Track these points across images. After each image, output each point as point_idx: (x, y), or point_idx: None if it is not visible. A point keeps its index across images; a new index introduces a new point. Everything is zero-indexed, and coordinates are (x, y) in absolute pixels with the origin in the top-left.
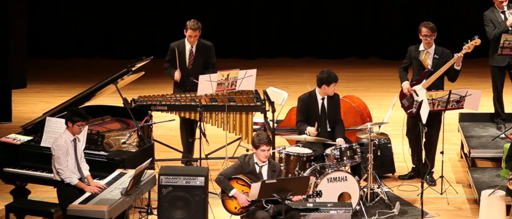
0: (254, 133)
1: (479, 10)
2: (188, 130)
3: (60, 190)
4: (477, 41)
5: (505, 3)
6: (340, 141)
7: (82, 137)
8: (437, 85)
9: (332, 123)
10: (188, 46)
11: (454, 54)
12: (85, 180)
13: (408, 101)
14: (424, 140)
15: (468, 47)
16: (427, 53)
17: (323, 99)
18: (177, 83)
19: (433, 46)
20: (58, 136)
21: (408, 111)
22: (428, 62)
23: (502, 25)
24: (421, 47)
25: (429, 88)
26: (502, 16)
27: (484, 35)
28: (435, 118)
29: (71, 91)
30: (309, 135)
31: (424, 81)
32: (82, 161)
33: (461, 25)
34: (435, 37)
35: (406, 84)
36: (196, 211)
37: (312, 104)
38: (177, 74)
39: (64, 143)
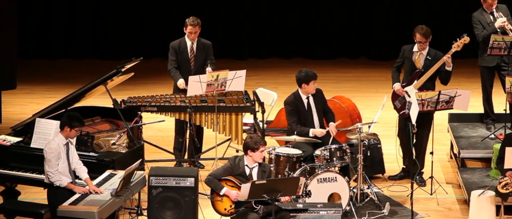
0: (245, 135)
1: (468, 11)
2: (185, 131)
3: (50, 192)
4: (466, 39)
5: (494, 6)
6: (331, 125)
7: (74, 139)
8: (428, 87)
9: (321, 118)
10: (189, 44)
11: (445, 56)
12: (80, 180)
13: (400, 103)
14: (414, 140)
15: (457, 45)
16: (420, 54)
17: (308, 98)
18: (176, 86)
19: (427, 48)
20: (51, 138)
21: (401, 112)
22: (420, 63)
23: (490, 26)
24: (415, 48)
25: (420, 89)
26: (491, 17)
27: (473, 36)
28: (426, 118)
29: (61, 93)
30: (316, 136)
31: (415, 82)
32: (77, 164)
33: (450, 26)
34: (430, 40)
35: (397, 86)
36: (186, 212)
37: (299, 105)
38: (182, 83)
39: (57, 147)
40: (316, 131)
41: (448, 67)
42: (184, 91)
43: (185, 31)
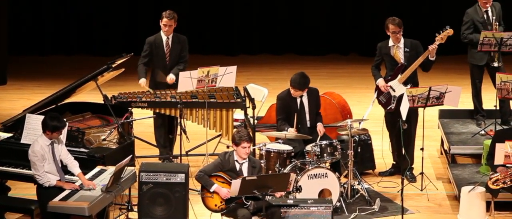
0: (235, 129)
1: (460, 6)
2: (166, 126)
3: (39, 189)
4: (449, 31)
5: (488, 4)
6: (319, 125)
7: (62, 136)
8: (411, 79)
9: (313, 118)
10: (164, 39)
11: (428, 47)
12: (75, 177)
13: (385, 98)
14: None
15: (440, 38)
16: (397, 48)
17: (301, 96)
18: (153, 82)
19: (402, 40)
20: (34, 140)
21: (387, 108)
22: (400, 56)
23: (483, 25)
24: (391, 43)
25: (404, 83)
26: (485, 15)
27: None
28: (412, 113)
29: (51, 88)
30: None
31: (400, 76)
32: (68, 159)
33: (442, 21)
34: (402, 31)
35: (381, 82)
36: (176, 208)
37: (291, 102)
38: (143, 82)
39: (40, 149)
40: (291, 130)
41: (432, 58)
42: (158, 86)
43: (160, 24)
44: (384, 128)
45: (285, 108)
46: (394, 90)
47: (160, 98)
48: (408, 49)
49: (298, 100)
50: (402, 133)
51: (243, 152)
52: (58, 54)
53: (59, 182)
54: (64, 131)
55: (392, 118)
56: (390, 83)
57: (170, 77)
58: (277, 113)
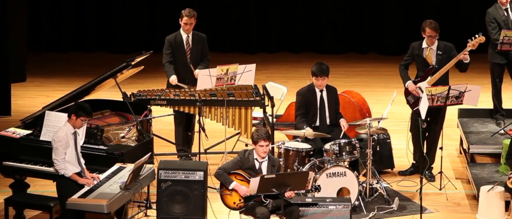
0: (254, 128)
1: (479, 4)
2: (184, 124)
3: (59, 185)
4: (481, 38)
5: (508, 2)
6: (342, 121)
7: (81, 131)
8: (443, 81)
9: (333, 115)
10: (184, 37)
11: (460, 54)
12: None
13: (413, 98)
14: (426, 135)
15: (472, 44)
16: (430, 50)
17: (321, 92)
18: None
19: (436, 42)
20: (58, 128)
21: (415, 108)
22: (432, 59)
23: (505, 23)
24: (424, 44)
25: (434, 85)
26: (505, 13)
27: (486, 31)
28: (439, 113)
29: (70, 85)
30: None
31: (429, 78)
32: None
33: (462, 20)
34: (438, 34)
35: (411, 85)
36: (195, 206)
37: (311, 98)
38: (174, 79)
39: (65, 135)
40: (308, 129)
41: (466, 61)
42: (177, 86)
43: (180, 23)
44: (405, 127)
45: (305, 104)
46: (422, 92)
47: (179, 96)
48: (441, 52)
49: (318, 95)
50: (421, 132)
51: (261, 150)
52: (77, 51)
53: (75, 175)
54: (84, 127)
55: (416, 120)
56: (419, 84)
57: (197, 72)
58: (297, 108)
